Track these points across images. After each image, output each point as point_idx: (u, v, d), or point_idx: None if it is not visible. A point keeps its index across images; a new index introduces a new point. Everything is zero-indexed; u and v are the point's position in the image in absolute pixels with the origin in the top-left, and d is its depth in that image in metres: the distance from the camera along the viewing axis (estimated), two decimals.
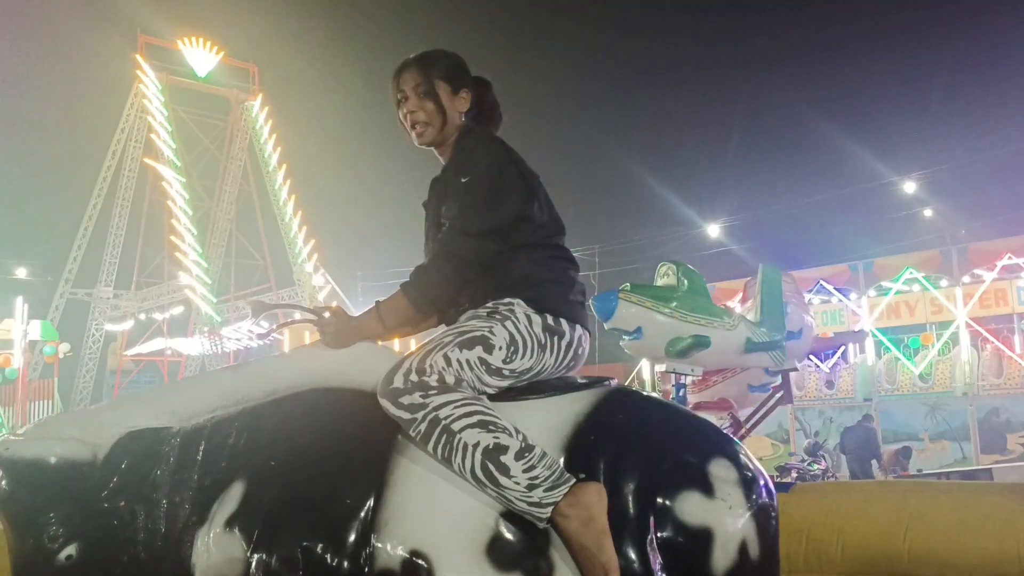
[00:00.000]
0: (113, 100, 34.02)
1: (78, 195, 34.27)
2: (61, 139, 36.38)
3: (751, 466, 2.18)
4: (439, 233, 2.34)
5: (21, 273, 33.86)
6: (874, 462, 13.95)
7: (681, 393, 5.83)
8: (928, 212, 25.45)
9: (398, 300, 2.29)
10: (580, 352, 2.33)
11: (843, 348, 16.52)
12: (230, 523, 2.03)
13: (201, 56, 33.96)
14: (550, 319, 2.25)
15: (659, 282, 6.30)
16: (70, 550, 2.04)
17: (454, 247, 2.25)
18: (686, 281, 5.65)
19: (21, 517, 2.07)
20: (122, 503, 2.07)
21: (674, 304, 5.46)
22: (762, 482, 2.17)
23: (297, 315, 2.39)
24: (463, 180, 2.28)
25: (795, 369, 7.43)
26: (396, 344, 2.26)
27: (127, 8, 33.45)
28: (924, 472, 13.54)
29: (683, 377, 5.83)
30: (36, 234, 35.63)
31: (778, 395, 7.66)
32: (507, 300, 2.25)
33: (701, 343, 5.25)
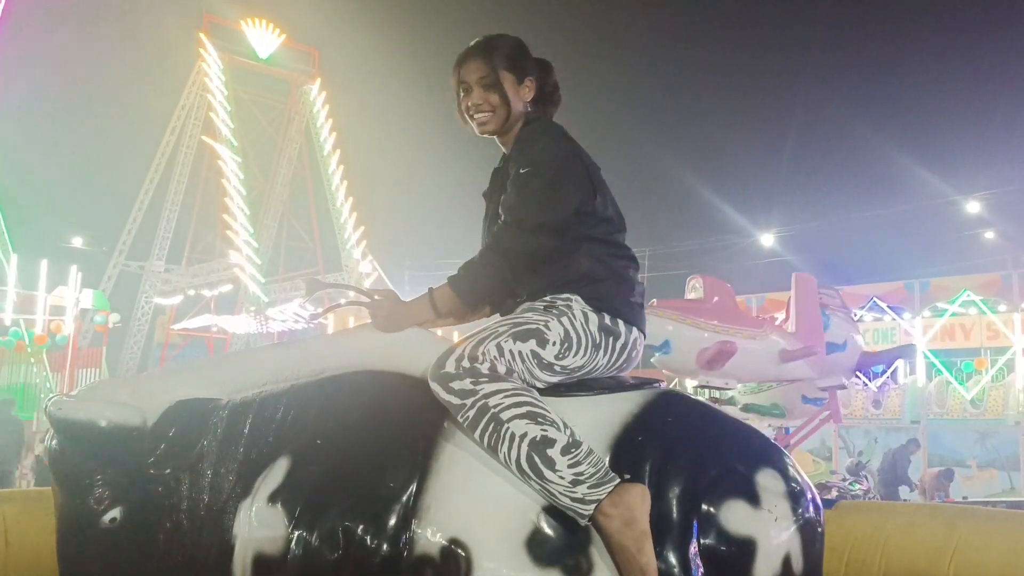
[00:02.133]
0: (175, 77, 34.62)
1: (136, 169, 34.94)
2: (122, 113, 37.06)
3: (799, 478, 2.15)
4: (495, 225, 2.31)
5: (77, 242, 34.64)
6: (904, 488, 13.66)
7: None
8: (990, 234, 24.82)
9: (447, 291, 2.28)
10: (634, 355, 2.30)
11: (894, 367, 16.21)
12: (273, 498, 2.04)
13: (263, 38, 34.37)
14: (607, 319, 2.22)
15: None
16: (115, 513, 2.06)
17: (507, 242, 2.22)
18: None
19: (69, 477, 2.10)
20: (168, 470, 2.09)
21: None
22: (809, 496, 2.14)
23: (344, 299, 2.38)
24: (523, 171, 2.24)
25: (843, 386, 7.30)
26: (439, 331, 2.28)
27: None
28: (969, 500, 13.24)
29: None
30: (94, 205, 36.37)
31: (825, 414, 7.57)
32: (566, 295, 2.22)
33: None
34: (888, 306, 18.80)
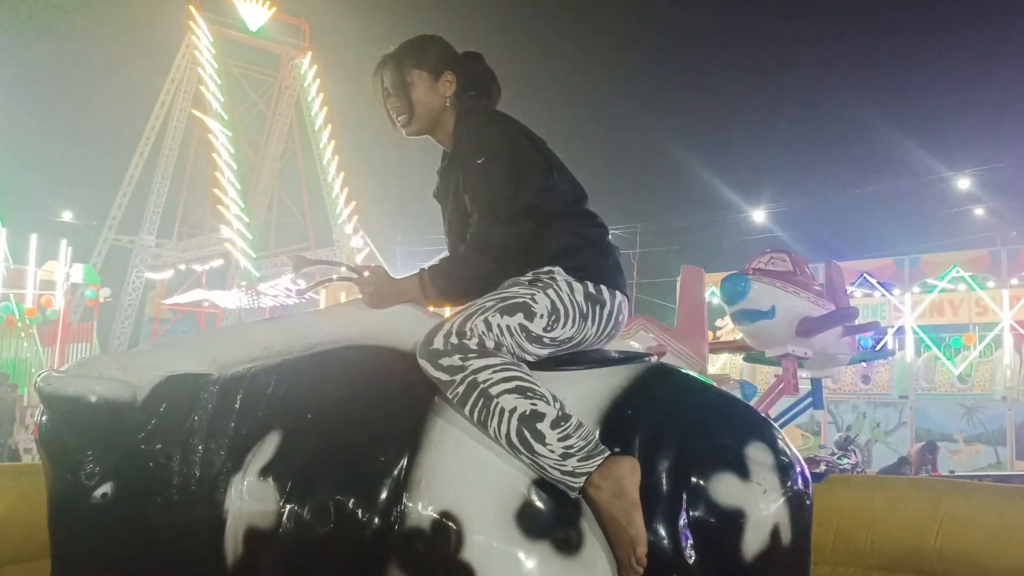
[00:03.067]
0: (165, 50, 34.31)
1: (126, 142, 34.71)
2: (112, 86, 36.78)
3: (788, 452, 2.16)
4: (465, 224, 2.29)
5: (67, 216, 34.48)
6: None
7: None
8: (979, 211, 24.91)
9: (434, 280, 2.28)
10: (620, 320, 2.31)
11: (883, 342, 16.26)
12: (264, 472, 2.05)
13: (254, 11, 34.07)
14: (591, 287, 2.23)
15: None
16: (105, 488, 2.07)
17: (489, 237, 2.21)
18: None
19: (59, 453, 2.10)
20: (159, 446, 2.09)
21: None
22: (798, 469, 2.15)
23: (334, 275, 2.38)
24: (479, 161, 2.23)
25: (788, 354, 7.22)
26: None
27: None
28: (956, 474, 13.36)
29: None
30: (84, 179, 36.18)
31: (807, 400, 7.62)
32: (547, 268, 2.22)
33: None
34: (878, 282, 18.87)
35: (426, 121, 2.40)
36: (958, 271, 18.16)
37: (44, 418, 2.11)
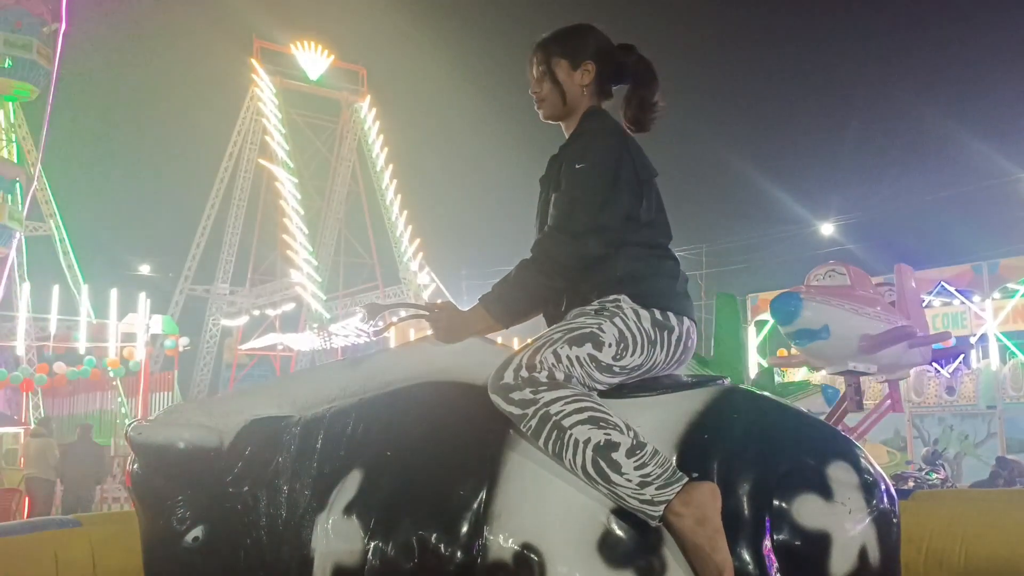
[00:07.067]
0: (230, 103, 35.46)
1: (197, 196, 35.88)
2: (181, 142, 38.18)
3: (872, 470, 2.12)
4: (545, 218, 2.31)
5: (144, 270, 35.72)
6: None
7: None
8: None
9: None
10: (690, 345, 2.29)
11: (962, 354, 15.76)
12: (348, 510, 2.08)
13: (313, 59, 35.00)
14: (658, 314, 2.22)
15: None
16: (197, 532, 2.13)
17: (552, 253, 2.21)
18: None
19: (151, 499, 2.17)
20: (246, 488, 2.15)
21: None
22: (883, 487, 2.11)
23: (403, 312, 2.43)
24: (578, 166, 2.24)
25: (865, 373, 7.07)
26: (499, 337, 2.31)
27: (243, 14, 34.77)
28: None
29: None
30: (159, 234, 37.46)
31: (887, 404, 7.42)
32: (613, 296, 2.22)
33: None
34: (957, 290, 18.31)
35: (557, 108, 2.40)
36: None
37: (135, 466, 2.18)
